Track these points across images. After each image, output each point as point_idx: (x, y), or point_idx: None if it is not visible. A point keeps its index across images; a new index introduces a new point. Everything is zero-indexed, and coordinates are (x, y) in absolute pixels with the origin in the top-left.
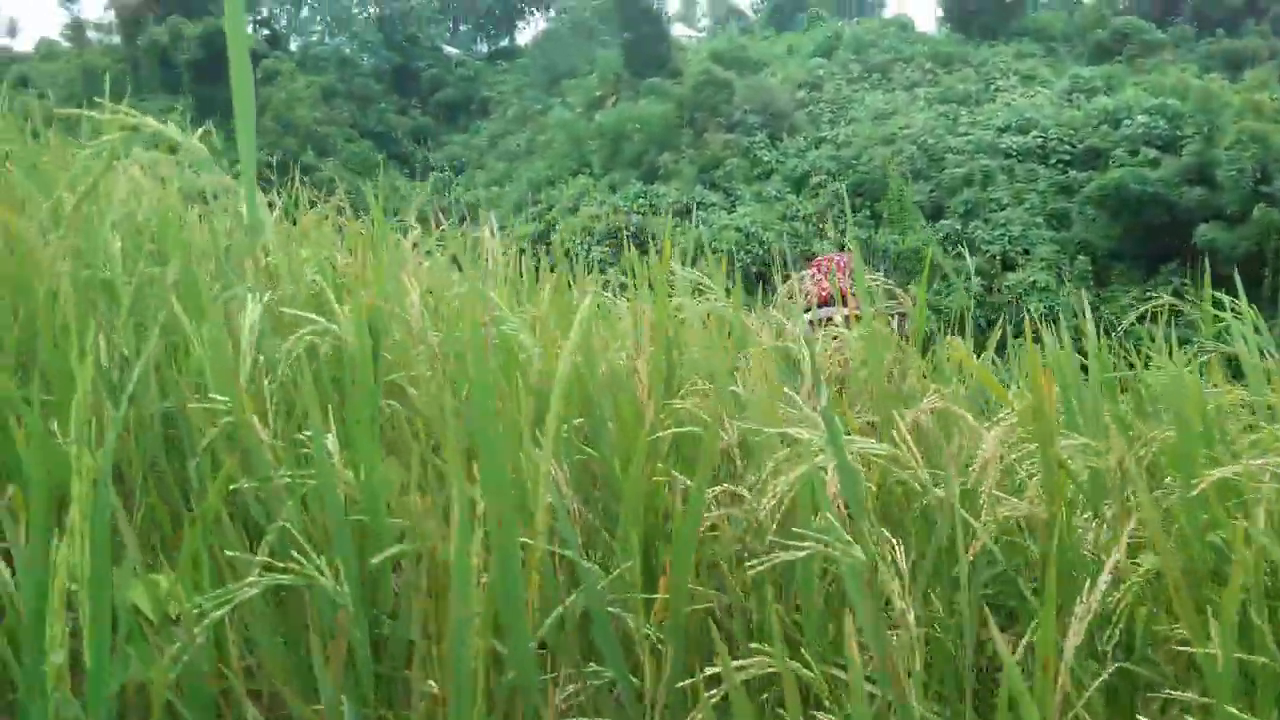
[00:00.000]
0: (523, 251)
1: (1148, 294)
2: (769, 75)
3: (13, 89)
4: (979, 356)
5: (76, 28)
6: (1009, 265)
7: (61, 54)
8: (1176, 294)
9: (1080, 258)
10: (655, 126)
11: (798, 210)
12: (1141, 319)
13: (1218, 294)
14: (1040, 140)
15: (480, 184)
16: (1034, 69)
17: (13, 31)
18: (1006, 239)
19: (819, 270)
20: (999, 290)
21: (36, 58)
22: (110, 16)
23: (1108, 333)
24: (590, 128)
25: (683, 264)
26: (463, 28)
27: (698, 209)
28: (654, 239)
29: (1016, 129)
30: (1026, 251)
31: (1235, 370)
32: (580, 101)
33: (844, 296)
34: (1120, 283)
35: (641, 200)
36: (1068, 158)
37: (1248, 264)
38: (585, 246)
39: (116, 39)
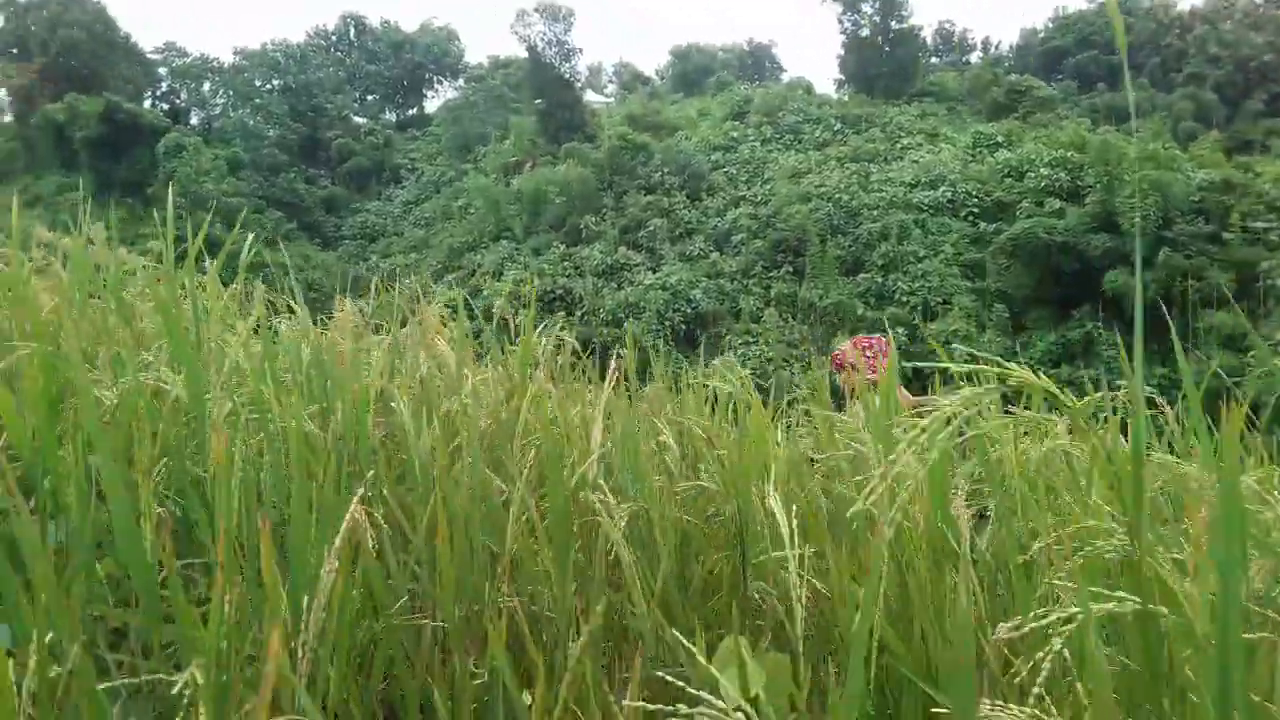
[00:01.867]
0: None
1: (1064, 338)
2: (684, 138)
3: None
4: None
5: None
6: (930, 315)
7: None
8: (1090, 338)
9: (997, 306)
10: (575, 190)
11: (722, 268)
12: (1057, 362)
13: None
14: (950, 194)
15: (397, 250)
16: (936, 127)
17: None
18: (926, 289)
19: (859, 349)
20: (922, 339)
21: None
22: (2, 95)
23: None
24: (508, 193)
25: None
26: (370, 97)
27: (623, 270)
28: (580, 301)
29: (926, 184)
30: (946, 301)
31: None
32: (495, 167)
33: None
34: (1037, 328)
35: (566, 263)
36: (977, 210)
37: (1156, 307)
38: (514, 310)
39: (8, 117)
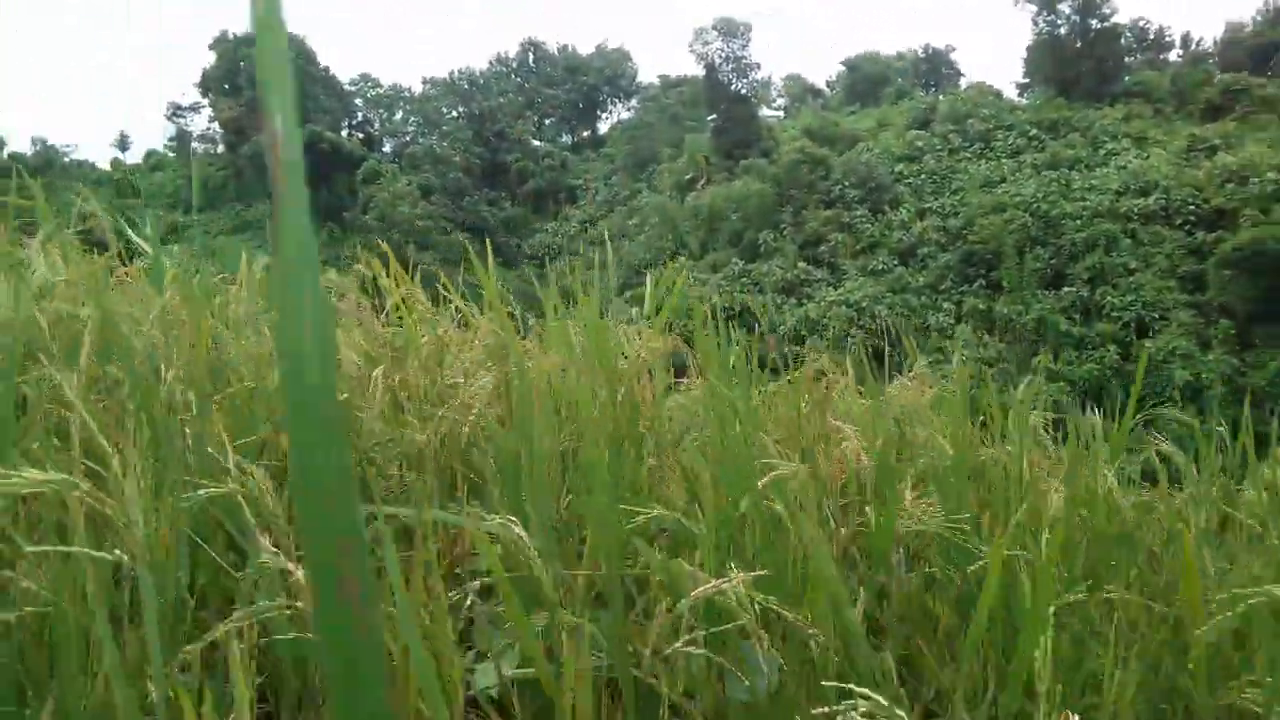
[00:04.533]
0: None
1: None
2: (864, 150)
3: (120, 198)
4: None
5: (182, 139)
6: (1145, 332)
7: (168, 164)
8: None
9: (1222, 321)
10: (752, 205)
11: (908, 282)
12: None
13: None
14: (1163, 202)
15: (575, 269)
16: (1143, 130)
17: (124, 145)
18: (1139, 304)
19: None
20: (1136, 358)
21: (145, 168)
22: (215, 128)
23: (1257, 403)
24: (684, 210)
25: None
26: (547, 120)
27: (803, 285)
28: (755, 318)
29: (1136, 191)
30: (1163, 317)
31: None
32: (669, 185)
33: None
34: (1268, 346)
35: (744, 279)
36: (1194, 218)
37: None
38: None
39: (220, 149)
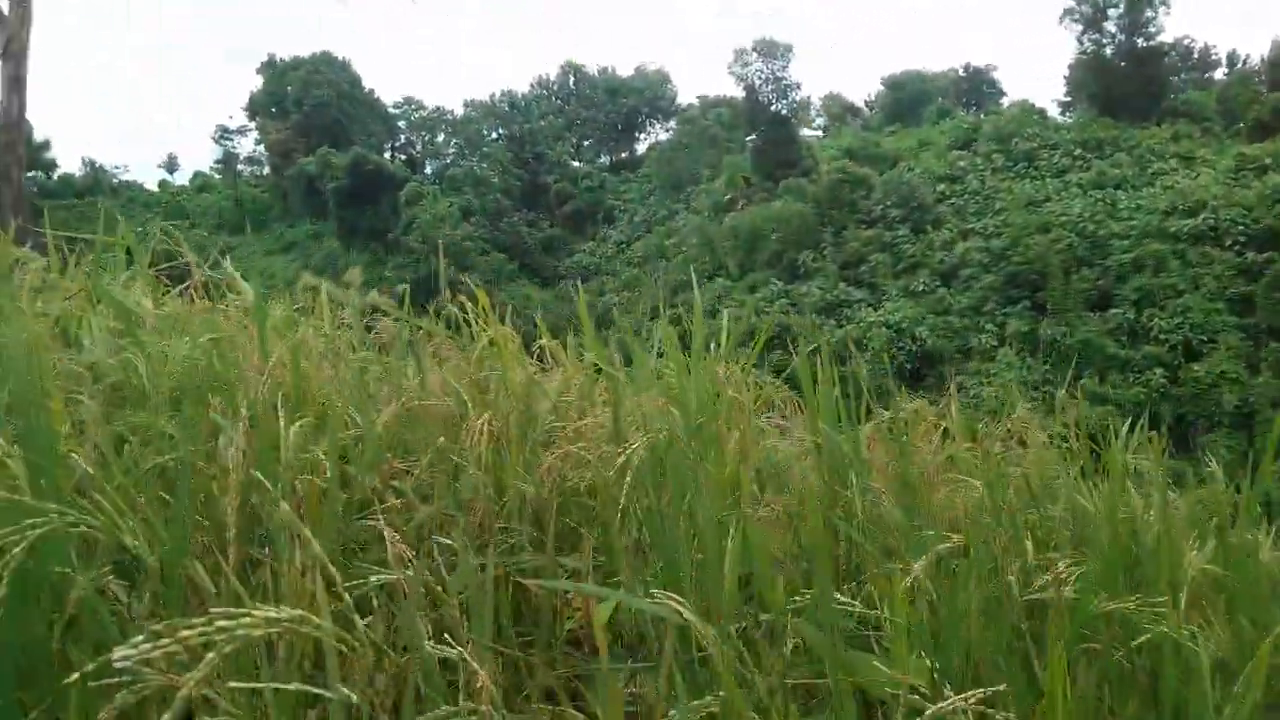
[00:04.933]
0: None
1: None
2: (906, 169)
3: (168, 219)
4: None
5: (228, 161)
6: (1193, 355)
7: (214, 186)
8: None
9: (1272, 344)
10: (792, 226)
11: (950, 304)
12: None
13: None
14: (1211, 222)
15: (611, 289)
16: (1190, 150)
17: (171, 167)
18: (1187, 326)
19: None
20: (1184, 381)
21: (192, 190)
22: (260, 151)
23: None
24: (722, 230)
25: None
26: (586, 142)
27: (843, 306)
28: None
29: (1184, 212)
30: (1211, 339)
31: None
32: (707, 205)
33: None
34: None
35: (784, 300)
36: (1244, 239)
37: None
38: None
39: (265, 170)
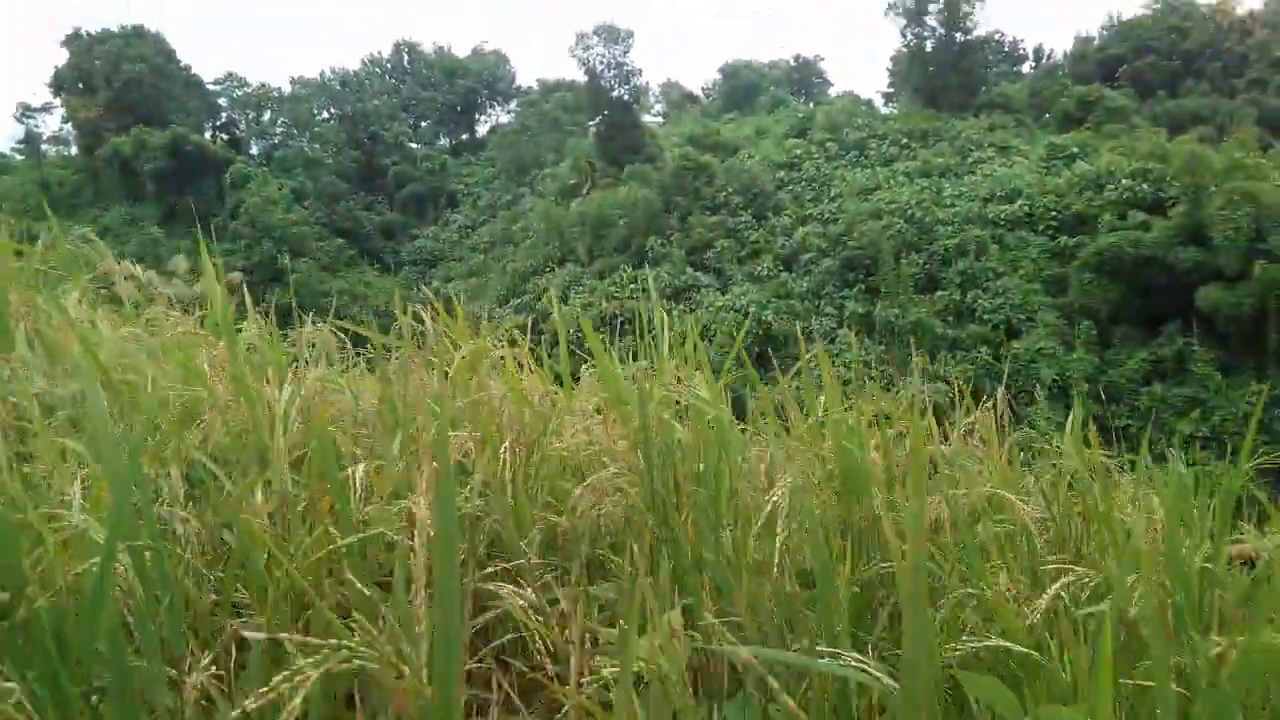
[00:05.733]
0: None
1: (1154, 355)
2: (746, 157)
3: None
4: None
5: (31, 141)
6: (1014, 333)
7: (17, 167)
8: (1181, 355)
9: (1084, 322)
10: (639, 212)
11: (792, 288)
12: (1148, 380)
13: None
14: (1027, 208)
15: (457, 275)
16: (1006, 140)
17: None
18: (1008, 306)
19: None
20: (1006, 358)
21: None
22: (68, 129)
23: (1116, 399)
24: (570, 215)
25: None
26: (424, 123)
27: (691, 291)
28: (649, 324)
29: (1002, 198)
30: (1030, 318)
31: None
32: (553, 190)
33: None
34: (1125, 345)
35: (634, 285)
36: (1056, 224)
37: (1252, 321)
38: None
39: (73, 150)
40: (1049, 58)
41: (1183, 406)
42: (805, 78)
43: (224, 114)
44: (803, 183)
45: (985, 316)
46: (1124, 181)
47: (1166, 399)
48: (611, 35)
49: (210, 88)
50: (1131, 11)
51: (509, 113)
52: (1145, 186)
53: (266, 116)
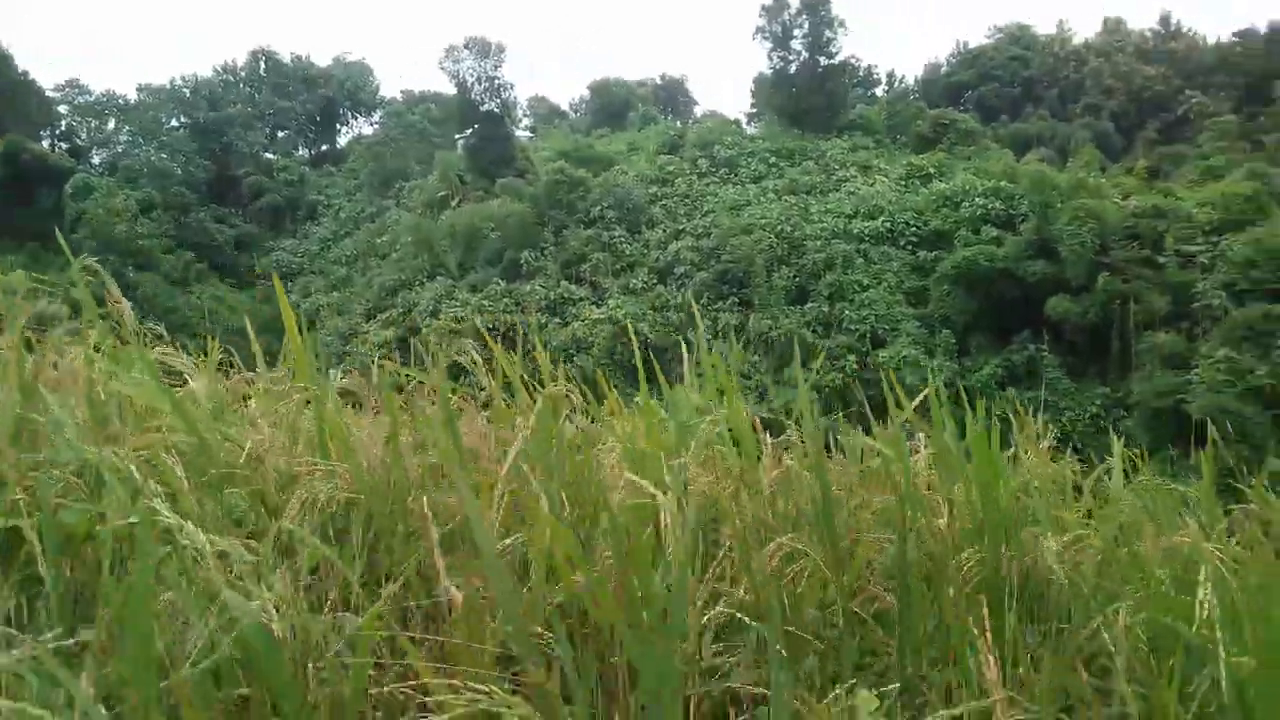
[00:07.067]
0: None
1: (1008, 361)
2: (619, 172)
3: None
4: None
5: None
6: (879, 343)
7: None
8: (1032, 361)
9: (943, 331)
10: (512, 225)
11: (668, 300)
12: (1003, 385)
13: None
14: (889, 224)
15: (318, 290)
16: (867, 159)
17: None
18: (873, 317)
19: None
20: (873, 366)
21: None
22: None
23: (971, 403)
24: (439, 228)
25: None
26: (281, 133)
27: (566, 304)
28: (524, 337)
29: (865, 215)
30: (893, 328)
31: None
32: (421, 203)
33: None
34: (981, 353)
35: (507, 299)
36: (916, 239)
37: (1096, 330)
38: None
39: None
40: (900, 82)
41: (1034, 408)
42: (673, 96)
43: (64, 122)
44: (675, 198)
45: (852, 327)
46: (978, 199)
47: (1019, 402)
48: (483, 49)
49: (50, 94)
50: (976, 40)
51: (372, 124)
52: (998, 204)
53: (111, 125)
